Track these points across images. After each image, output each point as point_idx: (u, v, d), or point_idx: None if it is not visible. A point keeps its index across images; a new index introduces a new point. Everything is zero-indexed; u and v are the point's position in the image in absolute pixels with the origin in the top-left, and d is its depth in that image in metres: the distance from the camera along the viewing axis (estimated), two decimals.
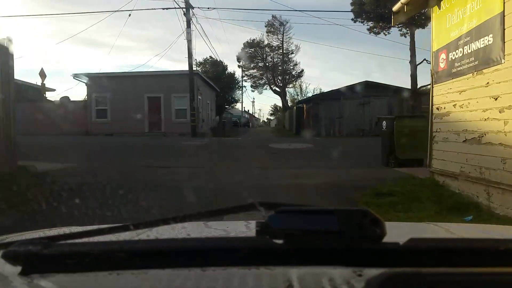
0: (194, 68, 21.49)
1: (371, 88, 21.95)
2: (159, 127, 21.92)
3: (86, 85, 22.36)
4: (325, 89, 25.52)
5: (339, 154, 8.60)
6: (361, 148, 10.62)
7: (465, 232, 1.14)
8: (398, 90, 22.42)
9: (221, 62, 34.44)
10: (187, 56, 19.49)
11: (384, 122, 7.50)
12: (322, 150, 9.62)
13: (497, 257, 0.54)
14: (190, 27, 19.29)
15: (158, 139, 16.01)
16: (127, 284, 0.58)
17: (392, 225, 0.77)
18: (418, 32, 36.51)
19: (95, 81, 21.79)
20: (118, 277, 0.56)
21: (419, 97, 23.39)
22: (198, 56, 40.69)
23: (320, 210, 0.58)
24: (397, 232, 0.92)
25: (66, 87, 59.81)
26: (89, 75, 21.98)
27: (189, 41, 19.25)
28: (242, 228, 1.03)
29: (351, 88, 22.19)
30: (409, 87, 26.15)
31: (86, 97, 22.61)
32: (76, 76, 22.05)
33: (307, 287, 0.54)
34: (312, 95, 24.88)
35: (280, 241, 0.54)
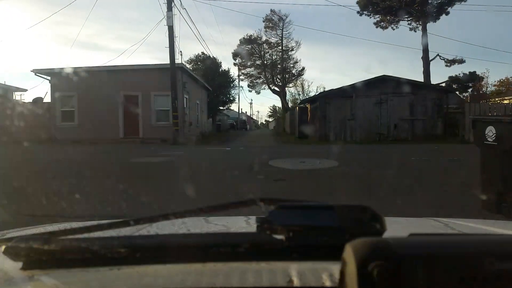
0: (178, 62, 17.84)
1: (389, 84, 18.39)
2: (136, 132, 18.32)
3: (49, 82, 18.74)
4: (329, 88, 22.05)
5: (387, 180, 5.11)
6: (410, 166, 7.00)
7: (465, 228, 1.09)
8: (421, 86, 18.89)
9: (214, 58, 30.89)
10: (167, 46, 15.87)
11: (492, 128, 3.92)
12: (354, 171, 6.02)
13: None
14: (171, 10, 15.73)
15: (120, 149, 12.29)
16: (127, 279, 0.57)
17: (392, 221, 0.73)
18: (429, 26, 33.43)
19: (59, 77, 18.17)
20: (119, 272, 0.57)
21: (444, 94, 19.84)
22: (187, 56, 37.02)
23: (320, 206, 0.57)
24: (397, 227, 0.98)
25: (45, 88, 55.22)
26: (51, 71, 18.35)
27: (170, 27, 15.68)
28: (242, 223, 1.05)
29: (365, 84, 18.64)
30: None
31: (50, 97, 18.99)
32: (37, 72, 18.43)
33: (307, 283, 0.53)
34: (319, 93, 21.34)
35: (280, 237, 0.54)
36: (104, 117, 18.00)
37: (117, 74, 17.81)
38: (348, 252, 0.42)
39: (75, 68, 17.59)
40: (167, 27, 15.74)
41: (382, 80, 18.52)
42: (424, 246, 0.44)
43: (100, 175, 5.32)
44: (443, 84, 32.68)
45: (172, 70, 15.88)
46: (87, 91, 17.91)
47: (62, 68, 18.11)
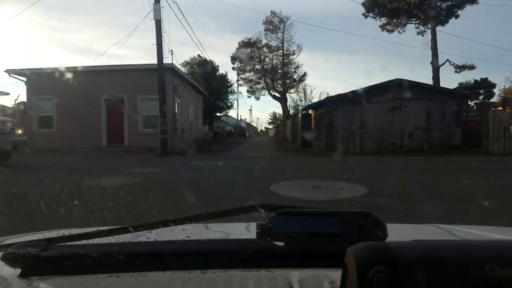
0: (169, 62, 15.99)
1: (403, 88, 16.40)
2: (121, 140, 16.40)
3: (25, 84, 16.84)
4: (332, 94, 19.71)
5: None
6: (476, 196, 4.87)
7: (467, 234, 1.07)
8: (438, 91, 17.01)
9: (211, 61, 29.03)
10: (155, 43, 13.98)
11: None
12: (402, 208, 4.02)
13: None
14: (159, 2, 13.87)
15: (91, 162, 10.23)
16: (126, 286, 0.57)
17: (393, 227, 0.76)
18: (439, 30, 31.81)
19: (36, 79, 16.32)
20: (118, 279, 0.56)
21: (463, 100, 17.93)
22: (182, 59, 34.97)
23: (321, 212, 0.56)
24: (399, 234, 0.95)
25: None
26: (27, 71, 16.48)
27: (158, 22, 13.81)
28: (243, 230, 1.03)
29: (376, 88, 16.78)
30: None
31: (26, 101, 17.07)
32: (11, 72, 16.53)
33: None
34: (325, 98, 19.42)
35: (281, 243, 0.54)
36: (85, 123, 16.12)
37: (100, 75, 15.88)
38: (350, 257, 0.42)
39: (53, 68, 15.71)
40: (154, 22, 13.85)
41: (395, 84, 16.58)
42: (425, 251, 0.43)
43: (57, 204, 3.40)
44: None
45: (159, 70, 13.97)
46: (67, 94, 16.00)
47: (38, 69, 16.25)
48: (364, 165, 9.84)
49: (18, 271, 0.56)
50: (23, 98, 17.50)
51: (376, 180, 6.02)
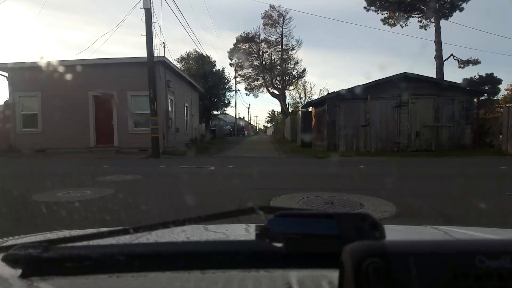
0: (158, 54, 14.93)
1: (411, 83, 15.41)
2: (110, 140, 15.37)
3: (7, 80, 15.76)
4: (333, 90, 18.22)
5: None
6: None
7: (464, 235, 1.06)
8: (448, 87, 15.94)
9: (207, 57, 27.95)
10: (145, 34, 12.91)
11: None
12: None
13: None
14: None
15: (65, 166, 9.09)
16: (127, 286, 0.58)
17: (391, 229, 0.71)
18: (442, 24, 30.83)
19: (19, 74, 15.26)
20: (118, 280, 0.57)
21: (474, 96, 16.90)
22: (177, 54, 33.72)
23: (319, 213, 0.57)
24: (396, 235, 0.98)
25: None
26: (9, 66, 15.40)
27: (148, 10, 12.74)
28: (242, 231, 1.04)
29: (382, 83, 15.75)
30: None
31: (8, 98, 16.00)
32: None
33: None
34: (327, 94, 18.34)
35: (279, 245, 0.54)
36: (72, 122, 15.10)
37: (88, 69, 14.74)
38: (346, 254, 0.43)
39: (37, 62, 14.64)
40: (144, 11, 12.78)
41: (402, 79, 15.51)
42: (418, 245, 0.45)
43: None
44: None
45: (149, 64, 12.91)
46: (52, 91, 15.00)
47: (22, 63, 15.20)
48: (374, 169, 8.83)
49: (19, 272, 0.57)
50: (5, 95, 16.47)
51: (400, 191, 4.99)
